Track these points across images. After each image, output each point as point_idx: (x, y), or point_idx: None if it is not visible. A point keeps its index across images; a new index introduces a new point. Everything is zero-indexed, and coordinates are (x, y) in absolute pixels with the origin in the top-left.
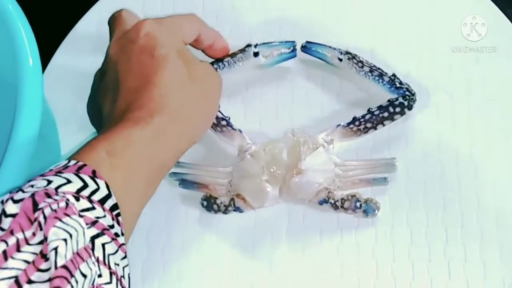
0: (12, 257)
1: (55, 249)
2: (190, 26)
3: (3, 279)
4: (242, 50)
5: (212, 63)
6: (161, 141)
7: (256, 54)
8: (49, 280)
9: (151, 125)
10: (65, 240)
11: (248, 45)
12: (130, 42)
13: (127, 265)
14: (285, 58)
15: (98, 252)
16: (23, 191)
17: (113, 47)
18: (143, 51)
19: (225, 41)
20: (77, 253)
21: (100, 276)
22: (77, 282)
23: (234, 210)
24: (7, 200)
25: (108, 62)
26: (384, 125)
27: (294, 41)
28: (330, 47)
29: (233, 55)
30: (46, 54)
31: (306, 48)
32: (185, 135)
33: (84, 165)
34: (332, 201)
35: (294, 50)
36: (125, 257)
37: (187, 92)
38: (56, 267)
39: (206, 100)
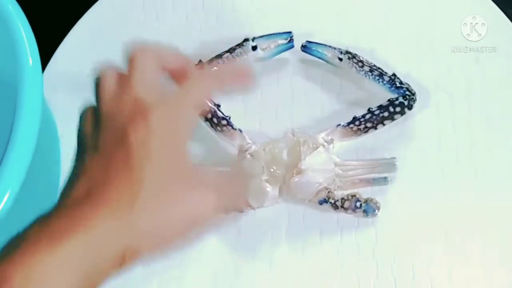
0: None
1: None
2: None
3: None
4: (240, 45)
5: (211, 60)
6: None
7: (254, 48)
8: None
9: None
10: None
11: (246, 39)
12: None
13: None
14: (283, 49)
15: None
16: None
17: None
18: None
19: (182, 57)
20: None
21: None
22: None
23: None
24: None
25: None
26: (384, 124)
27: (290, 32)
28: (330, 46)
29: (231, 50)
30: (46, 54)
31: (306, 47)
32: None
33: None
34: (332, 201)
35: (291, 40)
36: None
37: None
38: None
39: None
